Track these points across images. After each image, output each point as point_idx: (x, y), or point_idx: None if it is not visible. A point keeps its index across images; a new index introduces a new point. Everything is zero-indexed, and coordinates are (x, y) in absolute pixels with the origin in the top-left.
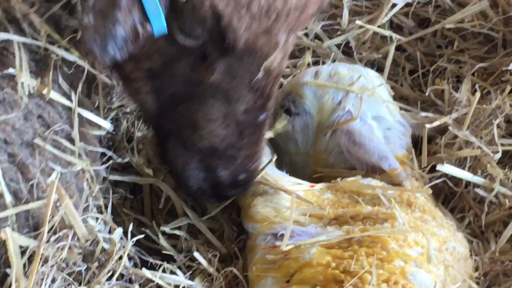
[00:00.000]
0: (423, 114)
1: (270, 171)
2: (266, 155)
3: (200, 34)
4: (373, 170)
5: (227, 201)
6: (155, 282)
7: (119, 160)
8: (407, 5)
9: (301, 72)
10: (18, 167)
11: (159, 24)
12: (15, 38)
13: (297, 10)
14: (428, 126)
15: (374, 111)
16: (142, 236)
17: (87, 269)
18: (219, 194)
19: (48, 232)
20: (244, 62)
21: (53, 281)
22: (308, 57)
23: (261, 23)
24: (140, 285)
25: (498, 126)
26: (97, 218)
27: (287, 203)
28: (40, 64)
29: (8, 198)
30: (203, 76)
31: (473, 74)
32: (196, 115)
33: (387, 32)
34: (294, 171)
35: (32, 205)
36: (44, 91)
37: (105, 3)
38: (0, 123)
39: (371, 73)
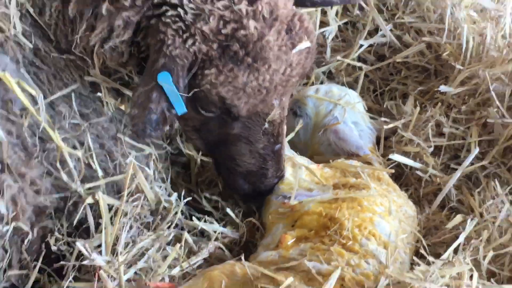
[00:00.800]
0: (383, 119)
1: (295, 155)
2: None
3: (214, 110)
4: (352, 156)
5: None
6: (199, 228)
7: (172, 149)
8: (370, 45)
9: (306, 87)
10: (106, 152)
11: (180, 108)
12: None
13: (282, 84)
14: (385, 127)
15: (353, 118)
16: (190, 198)
17: (153, 220)
18: (259, 196)
19: (127, 195)
20: (252, 120)
21: (131, 227)
22: (312, 78)
23: (256, 98)
24: (189, 231)
25: (431, 129)
26: (160, 186)
27: (305, 176)
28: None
29: (100, 173)
30: (228, 131)
31: (415, 94)
32: (232, 152)
33: (358, 64)
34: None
35: (116, 178)
36: (122, 107)
37: (142, 98)
38: (93, 124)
39: (353, 93)
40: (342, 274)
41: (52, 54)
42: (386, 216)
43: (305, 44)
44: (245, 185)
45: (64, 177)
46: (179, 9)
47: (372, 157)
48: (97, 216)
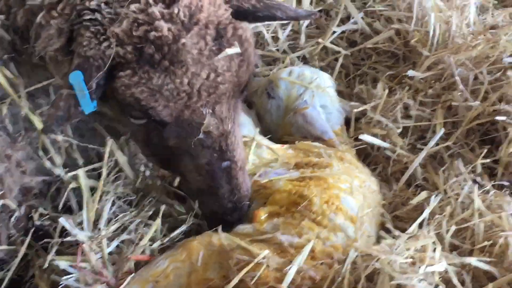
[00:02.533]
0: (353, 103)
1: (257, 135)
2: (253, 125)
3: (138, 115)
4: (318, 139)
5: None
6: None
7: None
8: (342, 32)
9: (280, 69)
10: (86, 142)
11: (87, 106)
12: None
13: (207, 90)
14: (355, 110)
15: (322, 101)
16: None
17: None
18: (220, 220)
19: (108, 176)
20: (185, 128)
21: (113, 204)
22: (287, 61)
23: (177, 102)
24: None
25: (399, 111)
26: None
27: (266, 154)
28: None
29: (81, 160)
30: (166, 142)
31: (384, 78)
32: (180, 168)
33: (337, 48)
34: (270, 133)
35: (96, 165)
36: None
37: (57, 99)
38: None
39: (325, 76)
40: (313, 247)
41: (26, 51)
42: (351, 192)
43: (233, 50)
44: (202, 205)
45: (47, 163)
46: (97, 14)
47: (335, 141)
48: (81, 199)
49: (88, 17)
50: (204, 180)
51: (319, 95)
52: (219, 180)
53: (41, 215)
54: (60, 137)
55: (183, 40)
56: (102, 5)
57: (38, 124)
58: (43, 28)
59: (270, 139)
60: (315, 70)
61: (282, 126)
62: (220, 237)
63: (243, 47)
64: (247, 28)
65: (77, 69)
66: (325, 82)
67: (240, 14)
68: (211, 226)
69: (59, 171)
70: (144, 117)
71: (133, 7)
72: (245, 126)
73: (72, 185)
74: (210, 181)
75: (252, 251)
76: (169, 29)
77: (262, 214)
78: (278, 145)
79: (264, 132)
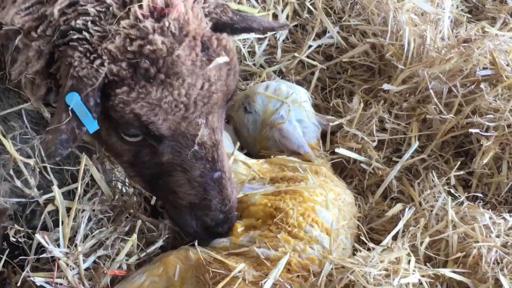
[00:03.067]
0: (329, 117)
1: (235, 151)
2: (231, 141)
3: (135, 132)
4: (294, 153)
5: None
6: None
7: None
8: (318, 46)
9: (256, 84)
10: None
11: (91, 125)
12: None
13: (202, 100)
14: (331, 124)
15: (298, 116)
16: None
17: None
18: (212, 233)
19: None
20: (181, 143)
21: (89, 220)
22: (263, 75)
23: (175, 114)
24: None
25: (375, 124)
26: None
27: (242, 169)
28: None
29: (55, 182)
30: (160, 159)
31: (360, 92)
32: (171, 185)
33: (313, 62)
34: (247, 147)
35: (71, 186)
36: None
37: (54, 123)
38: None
39: (301, 90)
40: (289, 259)
41: None
42: (326, 205)
43: (222, 59)
44: (193, 221)
45: (19, 183)
46: (84, 33)
47: (312, 155)
48: (57, 220)
49: (75, 36)
50: (197, 193)
51: (295, 109)
52: (211, 191)
53: (17, 231)
54: (32, 161)
55: (177, 52)
56: (89, 24)
57: (10, 149)
58: (21, 52)
59: (247, 153)
60: (291, 85)
61: (259, 140)
62: (196, 251)
63: (229, 56)
64: (229, 39)
65: (71, 91)
66: (301, 97)
67: (219, 27)
68: (200, 242)
69: (33, 193)
70: (140, 134)
71: (124, 23)
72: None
73: (49, 207)
74: (202, 193)
75: (228, 265)
76: (162, 42)
77: (238, 227)
78: (254, 160)
79: (241, 146)
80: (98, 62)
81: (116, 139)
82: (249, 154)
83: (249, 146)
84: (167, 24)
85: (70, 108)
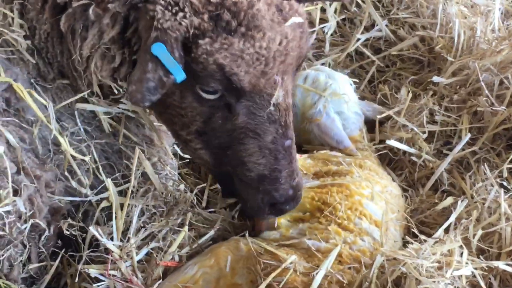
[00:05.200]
0: (376, 106)
1: None
2: None
3: (215, 87)
4: (334, 149)
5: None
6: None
7: None
8: (367, 39)
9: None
10: (113, 164)
11: (179, 74)
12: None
13: (281, 56)
14: (379, 117)
15: (337, 108)
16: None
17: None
18: (278, 210)
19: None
20: (257, 102)
21: (142, 214)
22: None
23: (256, 67)
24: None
25: (425, 116)
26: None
27: None
28: None
29: (108, 183)
30: (233, 122)
31: (409, 84)
32: (240, 154)
33: (367, 52)
34: None
35: (123, 186)
36: None
37: (138, 74)
38: (97, 138)
39: (342, 78)
40: (340, 251)
41: (50, 75)
42: (373, 198)
43: (297, 18)
44: (260, 195)
45: (74, 183)
46: None
47: (352, 149)
48: (109, 218)
49: None
50: (267, 162)
51: (334, 102)
52: (282, 160)
53: (70, 225)
54: (87, 158)
55: (257, 6)
56: None
57: (66, 145)
58: (93, 25)
59: None
60: (331, 74)
61: (301, 133)
62: (247, 242)
63: (302, 19)
64: (298, 5)
65: (156, 41)
66: (341, 86)
67: None
68: (261, 218)
69: (89, 192)
70: (221, 89)
71: None
72: None
73: (103, 204)
74: (273, 163)
75: (279, 256)
76: None
77: (281, 219)
78: (297, 155)
79: None
80: (181, 14)
81: (192, 99)
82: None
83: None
84: None
85: (156, 58)
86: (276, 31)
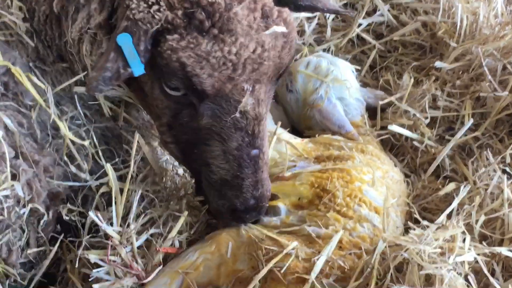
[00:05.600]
0: (378, 92)
1: (278, 130)
2: (273, 120)
3: (178, 84)
4: (337, 133)
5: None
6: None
7: None
8: (368, 25)
9: (298, 60)
10: (112, 148)
11: (137, 68)
12: None
13: (252, 65)
14: (381, 102)
15: (338, 94)
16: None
17: (165, 195)
18: (238, 217)
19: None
20: (222, 106)
21: (142, 199)
22: (305, 51)
23: (222, 72)
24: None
25: (427, 102)
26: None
27: (285, 149)
28: None
29: (108, 167)
30: (198, 122)
31: (411, 69)
32: (205, 155)
33: (368, 38)
34: (293, 123)
35: (123, 171)
36: None
37: (101, 61)
38: (97, 122)
39: (343, 64)
40: (340, 238)
41: (49, 58)
42: (373, 185)
43: (280, 28)
44: (221, 200)
45: (73, 168)
46: None
47: (354, 134)
48: (108, 203)
49: None
50: (230, 168)
51: (335, 88)
52: (246, 169)
53: (70, 211)
54: (86, 142)
55: (235, 9)
56: None
57: (65, 130)
58: (82, 8)
59: (292, 131)
60: (333, 60)
61: (303, 119)
62: (248, 229)
63: (287, 29)
64: (290, 14)
65: (124, 32)
66: (343, 72)
67: (282, 1)
68: (224, 224)
69: (88, 177)
70: (182, 88)
71: None
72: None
73: (103, 189)
74: (236, 170)
75: (281, 242)
76: None
77: (279, 204)
78: (298, 139)
79: (288, 124)
80: (155, 7)
81: (159, 92)
82: (294, 132)
83: (294, 123)
84: None
85: (119, 48)
86: (252, 38)
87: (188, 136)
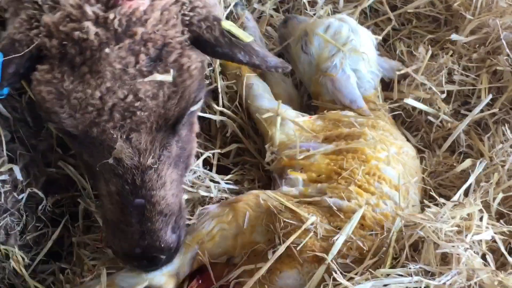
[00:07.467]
0: (395, 62)
1: (280, 109)
2: (271, 94)
3: (43, 116)
4: (346, 108)
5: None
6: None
7: None
8: None
9: (318, 20)
10: None
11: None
12: None
13: (121, 113)
14: (397, 73)
15: (353, 65)
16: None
17: None
18: (124, 260)
19: None
20: (96, 147)
21: None
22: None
23: (84, 115)
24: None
25: (444, 76)
26: None
27: (292, 131)
28: None
29: None
30: (82, 157)
31: (425, 43)
32: (97, 189)
33: (383, 8)
34: (303, 83)
35: None
36: None
37: None
38: None
39: (365, 33)
40: (363, 213)
41: None
42: (390, 162)
43: (163, 76)
44: (113, 238)
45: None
46: None
47: (365, 110)
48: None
49: None
50: (115, 210)
51: (351, 58)
52: (128, 217)
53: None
54: None
55: (107, 50)
56: None
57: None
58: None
59: (301, 102)
60: (355, 28)
61: (314, 83)
62: (267, 197)
63: (180, 77)
64: (195, 60)
65: (0, 50)
66: (363, 43)
67: (198, 43)
68: (123, 263)
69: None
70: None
71: (73, 1)
72: (264, 98)
73: None
74: (119, 215)
75: (300, 215)
76: (96, 34)
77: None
78: (306, 117)
79: (297, 97)
80: (35, 31)
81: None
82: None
83: (304, 82)
84: (111, 17)
85: None
86: (124, 83)
87: (84, 167)
